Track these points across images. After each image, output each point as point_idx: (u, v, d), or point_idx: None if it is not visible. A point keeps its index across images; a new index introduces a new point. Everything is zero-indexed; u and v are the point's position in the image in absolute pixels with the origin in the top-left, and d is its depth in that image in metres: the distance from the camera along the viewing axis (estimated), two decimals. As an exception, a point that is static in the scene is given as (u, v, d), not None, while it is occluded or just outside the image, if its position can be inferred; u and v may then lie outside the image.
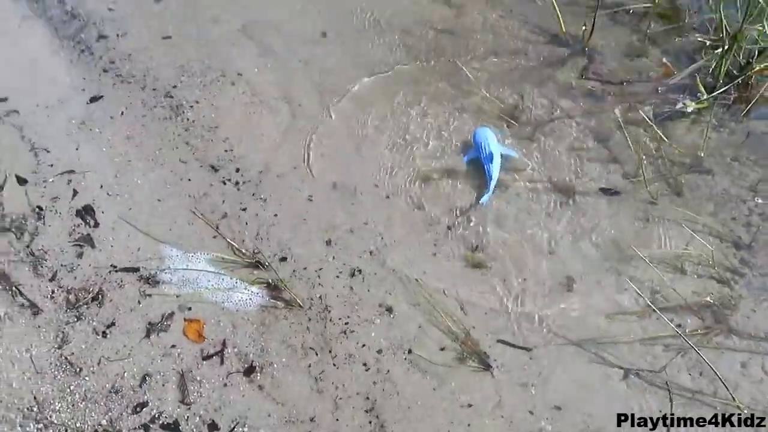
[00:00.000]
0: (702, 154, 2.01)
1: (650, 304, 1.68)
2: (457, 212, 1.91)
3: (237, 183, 1.99)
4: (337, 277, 1.79)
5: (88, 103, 2.21)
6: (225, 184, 1.99)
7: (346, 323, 1.69)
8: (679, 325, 1.66)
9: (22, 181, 1.99)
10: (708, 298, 1.71)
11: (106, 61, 2.37)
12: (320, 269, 1.80)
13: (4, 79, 2.28)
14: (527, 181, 1.98)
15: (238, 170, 2.03)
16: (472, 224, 1.88)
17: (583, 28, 2.42)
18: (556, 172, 2.00)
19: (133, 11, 2.57)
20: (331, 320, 1.70)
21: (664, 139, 2.05)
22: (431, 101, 2.21)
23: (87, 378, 1.61)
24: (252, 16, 2.53)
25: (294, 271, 1.79)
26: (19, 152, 2.06)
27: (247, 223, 1.89)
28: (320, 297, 1.74)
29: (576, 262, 1.80)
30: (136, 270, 1.78)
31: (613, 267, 1.78)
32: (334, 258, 1.82)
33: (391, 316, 1.71)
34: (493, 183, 1.93)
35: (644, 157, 2.00)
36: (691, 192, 1.94)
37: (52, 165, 2.03)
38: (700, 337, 1.64)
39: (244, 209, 1.93)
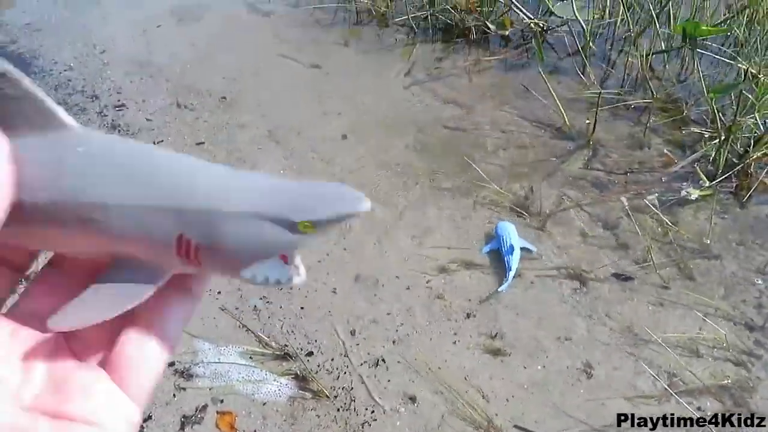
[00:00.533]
0: (708, 240, 2.10)
1: (667, 388, 1.71)
2: (476, 301, 2.00)
3: (265, 278, 2.10)
4: (362, 365, 1.85)
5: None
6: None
7: (372, 412, 1.74)
8: (699, 409, 1.68)
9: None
10: (726, 381, 1.74)
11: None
12: (345, 359, 1.87)
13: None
14: (541, 269, 2.07)
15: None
16: (490, 313, 1.96)
17: (587, 122, 2.59)
18: (568, 260, 2.09)
19: (169, 121, 2.80)
20: (356, 410, 1.75)
21: (671, 225, 2.14)
22: (446, 196, 2.35)
23: (122, 472, 1.66)
24: (277, 122, 2.75)
25: (320, 362, 1.87)
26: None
27: (275, 317, 1.99)
28: (345, 387, 1.81)
29: (593, 347, 1.85)
30: (171, 364, 1.87)
31: (629, 351, 1.83)
32: (358, 348, 1.90)
33: (415, 404, 1.76)
34: (512, 274, 2.02)
35: (653, 243, 2.09)
36: (701, 276, 2.01)
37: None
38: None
39: (270, 302, 2.03)
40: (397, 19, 3.33)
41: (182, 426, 1.73)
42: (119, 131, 2.76)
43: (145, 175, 0.38)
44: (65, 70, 3.17)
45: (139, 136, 2.72)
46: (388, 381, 1.81)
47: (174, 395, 1.79)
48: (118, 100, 2.95)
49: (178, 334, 0.41)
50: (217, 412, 1.75)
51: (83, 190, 0.37)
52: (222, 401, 1.78)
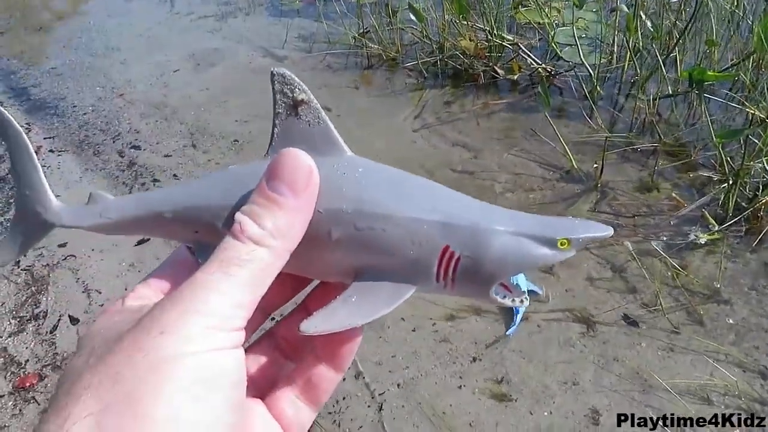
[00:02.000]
0: (719, 285, 2.07)
1: (677, 437, 1.67)
2: (482, 345, 1.98)
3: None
4: (366, 410, 1.83)
5: (135, 246, 2.41)
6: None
7: (375, 459, 1.72)
8: (710, 460, 1.64)
9: (74, 320, 2.15)
10: (738, 431, 1.69)
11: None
12: (349, 403, 1.85)
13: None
14: (548, 312, 2.05)
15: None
16: (496, 356, 1.94)
17: (594, 165, 2.60)
18: (576, 303, 2.07)
19: (182, 163, 2.86)
20: (359, 455, 1.72)
21: (679, 269, 2.12)
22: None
23: None
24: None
25: (324, 405, 1.85)
26: (74, 294, 2.24)
27: (279, 358, 1.98)
28: (347, 428, 1.78)
29: (600, 393, 1.82)
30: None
31: (638, 398, 1.79)
32: (362, 391, 1.88)
33: (419, 451, 1.73)
34: (519, 316, 2.01)
35: (662, 287, 2.07)
36: (711, 321, 1.98)
37: (102, 305, 2.19)
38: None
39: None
40: (407, 64, 3.40)
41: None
42: (136, 171, 2.82)
43: (417, 193, 0.44)
44: (84, 114, 3.27)
45: (155, 174, 2.78)
46: (394, 425, 1.79)
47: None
48: (136, 140, 3.02)
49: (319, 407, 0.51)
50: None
51: (366, 201, 0.43)
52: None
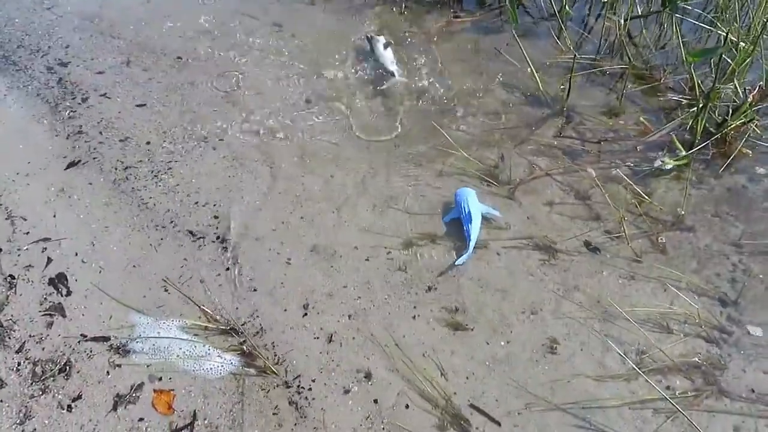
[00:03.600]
0: (683, 212, 2.00)
1: (635, 367, 1.62)
2: (437, 273, 1.88)
3: (215, 248, 1.97)
4: (314, 342, 1.73)
5: (65, 169, 2.20)
6: (202, 249, 1.96)
7: (323, 390, 1.63)
8: (668, 388, 1.60)
9: (-4, 249, 1.97)
10: (696, 359, 1.65)
11: (88, 127, 2.39)
12: (297, 335, 1.75)
13: (-14, 148, 2.29)
14: (508, 240, 1.96)
15: (217, 236, 2.00)
16: (452, 285, 1.85)
17: (561, 88, 2.46)
18: (537, 230, 1.98)
19: (119, 81, 2.62)
20: (305, 388, 1.63)
21: (645, 197, 2.04)
22: (411, 163, 2.22)
23: (50, 455, 1.54)
24: (234, 84, 2.58)
25: (270, 337, 1.74)
26: (-4, 220, 2.05)
27: (222, 289, 1.85)
28: (296, 363, 1.69)
29: (559, 322, 1.75)
30: (106, 339, 1.73)
31: (597, 327, 1.73)
32: (311, 323, 1.78)
33: (370, 382, 1.64)
34: (472, 243, 1.90)
35: (626, 214, 1.99)
36: (674, 249, 1.92)
37: (27, 233, 2.01)
38: (691, 400, 1.57)
39: (219, 274, 1.89)
40: (367, -21, 3.15)
41: (115, 406, 1.59)
42: (65, 89, 2.57)
43: None
44: (7, 27, 2.95)
45: (85, 94, 2.54)
46: (342, 357, 1.70)
47: (108, 372, 1.66)
48: (66, 56, 2.75)
49: None
50: (154, 391, 1.62)
51: None
52: (160, 379, 1.64)
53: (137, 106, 2.49)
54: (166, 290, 1.84)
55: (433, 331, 1.75)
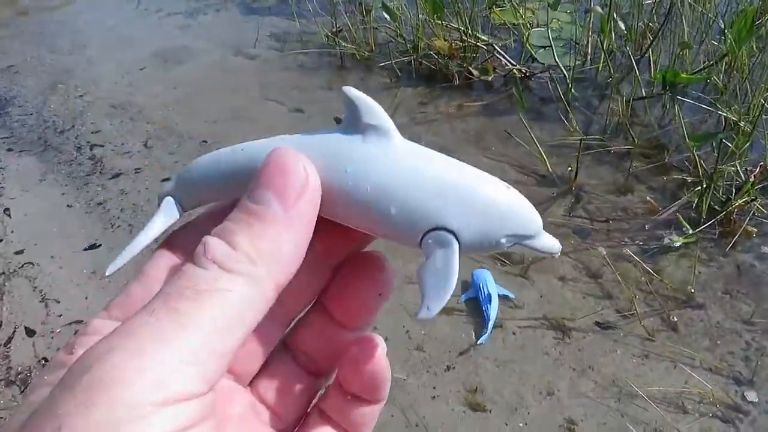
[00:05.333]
0: (692, 289, 2.05)
1: (653, 447, 1.65)
2: (455, 353, 1.93)
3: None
4: (337, 423, 1.77)
5: (85, 250, 2.31)
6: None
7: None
8: (686, 469, 1.61)
9: (30, 332, 2.05)
10: (713, 439, 1.68)
11: (118, 209, 2.51)
12: (319, 416, 1.79)
13: (23, 232, 2.41)
14: (522, 319, 2.02)
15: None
16: (470, 365, 1.90)
17: (569, 168, 2.57)
18: (551, 309, 2.04)
19: (147, 164, 2.77)
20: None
21: (654, 274, 2.10)
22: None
23: None
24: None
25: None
26: (31, 304, 2.14)
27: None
28: (319, 446, 1.72)
29: (576, 402, 1.79)
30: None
31: (614, 407, 1.77)
32: (333, 403, 1.82)
33: (391, 465, 1.68)
34: (491, 323, 1.96)
35: (636, 292, 2.04)
36: (686, 327, 1.96)
37: (60, 315, 2.10)
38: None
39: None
40: (381, 64, 3.34)
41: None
42: (99, 172, 2.72)
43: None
44: (44, 114, 3.15)
45: (118, 177, 2.68)
46: (364, 439, 1.73)
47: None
48: (98, 141, 2.91)
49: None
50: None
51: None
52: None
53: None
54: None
55: (453, 412, 1.79)
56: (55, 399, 0.26)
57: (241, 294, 0.29)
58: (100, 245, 2.34)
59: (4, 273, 2.22)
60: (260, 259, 0.30)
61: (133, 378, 0.26)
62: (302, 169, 0.33)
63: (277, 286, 0.31)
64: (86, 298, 2.15)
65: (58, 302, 2.14)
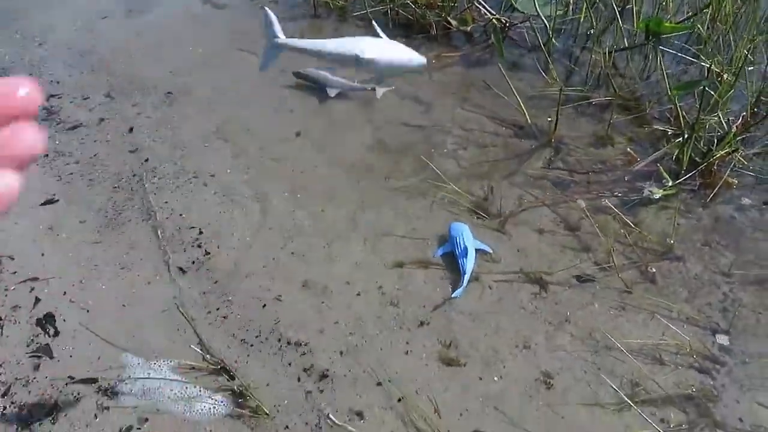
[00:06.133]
0: (672, 241, 2.01)
1: (627, 400, 1.61)
2: (430, 308, 1.88)
3: (205, 285, 1.96)
4: (306, 380, 1.71)
5: (41, 205, 2.19)
6: (193, 287, 1.95)
7: (316, 430, 1.61)
8: (662, 420, 1.59)
9: (-18, 290, 1.94)
10: (689, 390, 1.65)
11: (78, 164, 2.39)
12: (288, 372, 1.73)
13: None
14: (499, 273, 1.96)
15: (208, 271, 2.00)
16: (444, 320, 1.84)
17: (549, 120, 2.49)
18: (528, 263, 1.98)
19: (112, 117, 2.62)
20: (299, 429, 1.61)
21: (633, 226, 2.06)
22: (401, 197, 2.23)
23: (36, 503, 1.50)
24: (226, 118, 2.59)
25: (261, 376, 1.72)
26: (-16, 260, 2.03)
27: (212, 326, 1.84)
28: (287, 403, 1.67)
29: (553, 356, 1.75)
30: (94, 381, 1.70)
31: (590, 359, 1.73)
32: (302, 359, 1.76)
33: (362, 420, 1.63)
34: (467, 277, 1.91)
35: (615, 245, 2.00)
36: (664, 279, 1.93)
37: (15, 272, 1.99)
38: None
39: (210, 312, 1.88)
40: (355, 14, 3.19)
41: (102, 450, 1.57)
42: (57, 123, 2.57)
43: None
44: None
45: (77, 130, 2.54)
46: (334, 395, 1.68)
47: (95, 416, 1.63)
48: (57, 92, 2.76)
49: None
50: (144, 434, 1.59)
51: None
52: (147, 420, 1.62)
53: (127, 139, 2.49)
54: (155, 330, 1.82)
55: (426, 366, 1.74)
56: None
57: None
58: (58, 200, 2.23)
59: (-46, 229, 2.10)
60: None
61: None
62: None
63: None
64: (42, 254, 2.04)
65: (12, 259, 2.03)
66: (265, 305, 1.89)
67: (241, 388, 1.66)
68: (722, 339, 1.76)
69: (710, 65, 2.41)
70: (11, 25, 3.20)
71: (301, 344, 1.79)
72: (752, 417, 1.59)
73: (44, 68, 2.94)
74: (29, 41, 3.13)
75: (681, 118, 2.29)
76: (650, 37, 2.55)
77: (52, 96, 2.74)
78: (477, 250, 1.99)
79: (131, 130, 2.55)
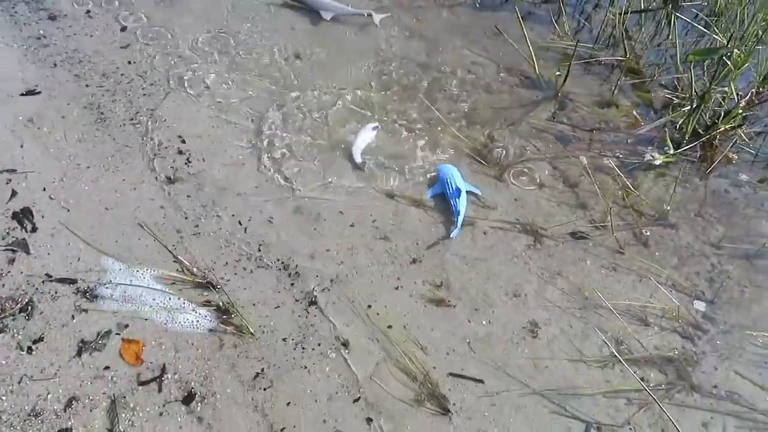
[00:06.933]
0: (668, 208, 2.01)
1: (616, 354, 1.63)
2: (423, 246, 1.85)
3: (194, 198, 1.88)
4: (294, 305, 1.68)
5: (21, 95, 2.06)
6: (181, 198, 1.87)
7: (299, 353, 1.58)
8: (642, 379, 1.61)
9: (-45, 176, 1.82)
10: (671, 353, 1.68)
11: (63, 55, 2.24)
12: (275, 295, 1.69)
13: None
14: (495, 220, 1.93)
15: (197, 185, 1.92)
16: (437, 260, 1.82)
17: (557, 73, 2.44)
18: (525, 213, 1.96)
19: (98, 13, 2.46)
20: (283, 352, 1.58)
21: (632, 189, 2.05)
22: (401, 135, 2.16)
23: (4, 398, 1.44)
24: (219, 26, 2.46)
25: (246, 295, 1.68)
26: (-44, 145, 1.90)
27: (201, 241, 1.77)
28: (273, 325, 1.63)
29: (541, 306, 1.75)
30: (73, 281, 1.63)
31: (578, 314, 1.74)
32: (292, 285, 1.72)
33: (347, 350, 1.61)
34: (460, 218, 1.88)
35: (612, 205, 1.99)
36: (656, 244, 1.93)
37: (-10, 161, 1.88)
38: (663, 393, 1.59)
39: (198, 225, 1.81)
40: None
41: (79, 352, 1.51)
42: (39, 8, 2.40)
43: None
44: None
45: (73, 23, 2.38)
46: (321, 322, 1.65)
47: (73, 316, 1.57)
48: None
49: None
50: (123, 340, 1.54)
51: None
52: (127, 326, 1.56)
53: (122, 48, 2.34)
54: (139, 237, 1.75)
55: (416, 304, 1.72)
56: None
57: None
58: (40, 92, 2.09)
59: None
60: None
61: None
62: None
63: None
64: (22, 146, 1.92)
65: (-12, 148, 1.91)
66: (255, 226, 1.83)
67: (227, 305, 1.62)
68: (699, 305, 1.78)
69: (721, 38, 2.37)
70: None
71: (289, 268, 1.75)
72: (728, 384, 1.62)
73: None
74: None
75: (690, 87, 2.26)
76: (668, 2, 2.50)
77: None
78: (468, 192, 1.96)
79: (124, 29, 2.39)
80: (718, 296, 1.81)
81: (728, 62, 2.16)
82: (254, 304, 1.66)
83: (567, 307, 1.75)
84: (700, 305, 1.79)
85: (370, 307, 1.69)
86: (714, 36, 2.46)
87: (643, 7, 2.69)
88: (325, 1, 2.57)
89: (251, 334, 1.59)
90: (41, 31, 2.33)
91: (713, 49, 2.19)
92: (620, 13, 2.60)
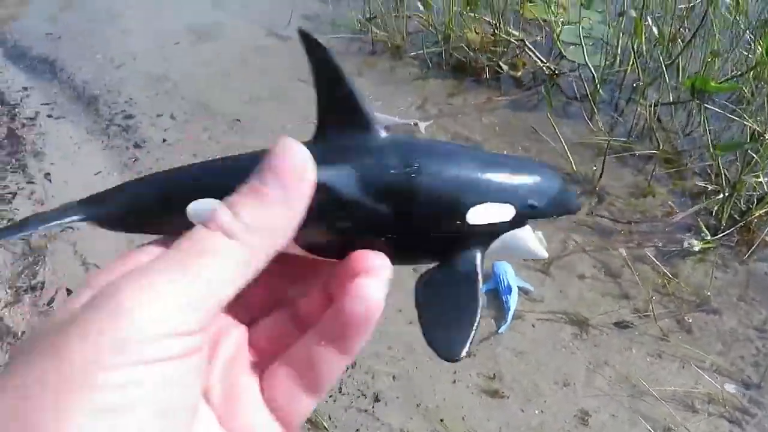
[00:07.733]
0: (709, 293, 2.13)
1: (663, 441, 1.73)
2: (476, 341, 2.01)
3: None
4: (359, 399, 1.86)
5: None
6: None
7: (368, 448, 1.75)
8: (692, 465, 1.70)
9: (71, 293, 2.13)
10: (720, 438, 1.76)
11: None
12: (344, 391, 1.88)
13: (64, 198, 2.50)
14: (542, 313, 2.09)
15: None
16: (489, 353, 1.98)
17: (593, 168, 2.63)
18: (570, 305, 2.11)
19: (180, 139, 2.83)
20: (352, 443, 1.76)
21: (671, 277, 2.17)
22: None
23: None
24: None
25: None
26: (71, 267, 2.23)
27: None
28: (344, 419, 1.81)
29: (590, 394, 1.87)
30: None
31: (626, 403, 1.85)
32: (356, 381, 1.91)
33: (411, 442, 1.77)
34: (511, 314, 2.04)
35: (653, 294, 2.12)
36: (699, 330, 2.04)
37: (99, 280, 2.19)
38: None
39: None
40: (411, 54, 3.39)
41: None
42: (133, 144, 2.80)
43: None
44: (83, 82, 3.22)
45: (151, 151, 2.76)
46: (387, 417, 1.82)
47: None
48: (132, 111, 2.99)
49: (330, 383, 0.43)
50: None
51: None
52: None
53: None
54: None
55: (471, 395, 1.87)
56: (87, 316, 0.32)
57: (238, 258, 0.35)
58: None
59: (46, 236, 2.31)
60: (257, 231, 0.35)
61: (142, 308, 0.31)
62: (303, 157, 0.38)
63: (267, 255, 0.37)
64: (124, 265, 2.24)
65: (98, 267, 2.23)
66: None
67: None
68: (730, 387, 1.86)
69: (751, 125, 2.52)
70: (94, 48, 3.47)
71: (355, 366, 1.95)
72: (779, 468, 1.69)
73: (123, 89, 3.18)
74: (107, 62, 3.39)
75: (722, 176, 2.41)
76: (695, 94, 2.69)
77: (127, 117, 2.97)
78: (519, 288, 2.13)
79: (201, 153, 2.76)
80: (765, 379, 1.89)
81: (753, 155, 2.31)
82: (324, 402, 1.85)
83: (615, 394, 1.87)
84: (745, 389, 1.87)
85: (430, 400, 1.86)
86: (744, 122, 2.62)
87: (672, 99, 2.88)
88: (375, 114, 2.88)
89: (325, 429, 1.78)
90: (134, 160, 2.71)
91: (737, 143, 2.35)
92: (650, 105, 2.80)
